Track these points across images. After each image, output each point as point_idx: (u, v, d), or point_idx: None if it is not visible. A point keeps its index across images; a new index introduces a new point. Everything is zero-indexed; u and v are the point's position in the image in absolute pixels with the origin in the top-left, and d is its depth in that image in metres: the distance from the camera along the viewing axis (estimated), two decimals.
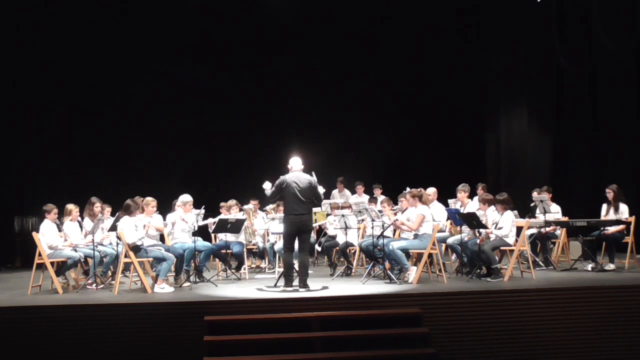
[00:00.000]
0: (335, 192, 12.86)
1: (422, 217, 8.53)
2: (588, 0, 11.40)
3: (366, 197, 11.77)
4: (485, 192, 9.58)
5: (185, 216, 9.01)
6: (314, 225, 10.95)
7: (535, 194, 10.38)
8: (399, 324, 7.02)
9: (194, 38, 13.67)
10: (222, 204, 10.43)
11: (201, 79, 13.75)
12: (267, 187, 8.29)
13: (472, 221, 8.43)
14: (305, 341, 6.74)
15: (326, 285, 8.34)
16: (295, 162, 8.22)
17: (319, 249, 10.60)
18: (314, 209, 11.00)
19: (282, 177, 8.12)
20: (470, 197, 9.88)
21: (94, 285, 8.50)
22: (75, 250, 8.53)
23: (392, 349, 6.72)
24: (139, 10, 13.24)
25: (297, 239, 8.10)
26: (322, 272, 10.06)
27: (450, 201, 10.25)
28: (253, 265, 10.81)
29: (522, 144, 13.66)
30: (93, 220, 8.89)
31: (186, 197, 9.11)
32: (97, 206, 9.15)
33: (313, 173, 8.28)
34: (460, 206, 9.63)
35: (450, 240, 9.16)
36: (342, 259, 9.91)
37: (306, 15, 13.74)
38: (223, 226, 9.04)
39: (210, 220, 9.61)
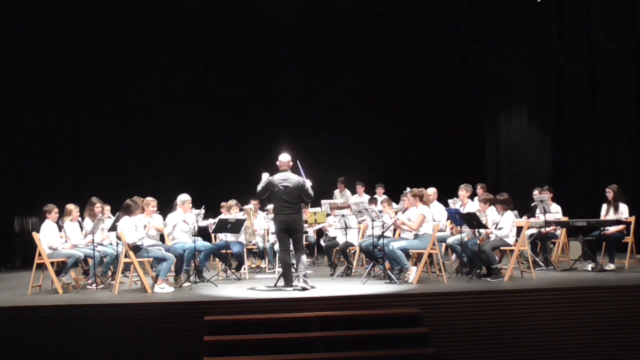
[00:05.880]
0: (336, 192, 12.88)
1: (423, 217, 8.53)
2: (588, 1, 11.40)
3: (366, 197, 11.77)
4: (485, 192, 9.57)
5: (186, 217, 9.00)
6: (316, 227, 11.00)
7: (536, 193, 10.38)
8: (399, 324, 7.02)
9: (194, 38, 13.67)
10: (222, 203, 10.43)
11: (201, 78, 13.74)
12: (264, 177, 8.23)
13: (472, 221, 8.43)
14: (305, 341, 6.74)
15: (326, 285, 8.34)
16: (284, 158, 8.20)
17: (323, 243, 10.54)
18: (314, 209, 11.06)
19: (269, 178, 8.10)
20: (471, 197, 9.88)
21: (94, 285, 8.51)
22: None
23: (392, 349, 6.72)
24: (138, 10, 13.23)
25: (290, 240, 8.11)
26: (322, 272, 10.06)
27: (450, 201, 10.25)
28: (253, 265, 10.81)
29: (522, 144, 13.66)
30: (93, 221, 8.90)
31: (184, 197, 9.12)
32: (98, 206, 9.15)
33: (298, 162, 8.28)
34: (460, 205, 9.63)
35: (450, 240, 9.16)
36: (342, 259, 9.91)
37: (306, 14, 13.74)
38: (223, 226, 9.04)
39: (210, 221, 9.60)
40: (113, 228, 8.61)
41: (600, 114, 12.54)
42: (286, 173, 8.14)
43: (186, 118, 13.85)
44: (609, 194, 9.38)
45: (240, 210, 10.00)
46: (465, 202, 9.62)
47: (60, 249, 8.40)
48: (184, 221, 8.94)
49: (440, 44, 13.94)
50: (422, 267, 8.43)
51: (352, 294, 7.52)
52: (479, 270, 8.49)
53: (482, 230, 8.53)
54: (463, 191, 9.65)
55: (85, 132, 13.57)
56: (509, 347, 7.11)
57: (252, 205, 10.38)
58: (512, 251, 8.41)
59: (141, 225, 8.34)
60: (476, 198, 9.64)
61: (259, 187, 8.16)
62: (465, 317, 7.15)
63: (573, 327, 7.18)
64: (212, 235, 9.94)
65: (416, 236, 8.60)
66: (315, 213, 10.94)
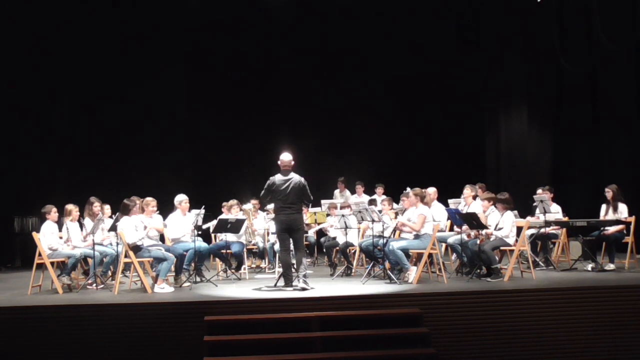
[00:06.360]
0: (336, 192, 12.89)
1: (424, 217, 8.54)
2: (588, 1, 11.40)
3: (366, 197, 11.76)
4: (485, 191, 9.54)
5: (187, 218, 9.00)
6: (316, 227, 11.00)
7: (540, 191, 10.38)
8: (399, 324, 7.03)
9: (194, 38, 13.67)
10: (224, 203, 10.42)
11: (201, 78, 13.73)
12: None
13: (472, 221, 8.42)
14: (305, 341, 6.74)
15: (326, 285, 8.34)
16: (286, 158, 8.20)
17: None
18: (314, 209, 11.06)
19: (270, 179, 8.13)
20: (474, 197, 9.82)
21: (94, 285, 8.50)
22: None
23: (392, 349, 6.73)
24: (138, 10, 13.23)
25: (290, 239, 8.12)
26: (322, 272, 10.06)
27: (450, 201, 10.24)
28: (253, 265, 10.81)
29: (522, 144, 13.66)
30: (93, 220, 8.90)
31: (181, 197, 9.13)
32: (96, 206, 9.15)
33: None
34: (465, 205, 9.55)
35: (450, 240, 9.15)
36: (342, 259, 9.91)
37: (307, 15, 13.74)
38: (223, 226, 9.04)
39: (212, 223, 9.58)
40: (113, 228, 8.61)
41: (600, 114, 12.53)
42: (287, 172, 8.15)
43: (186, 118, 13.84)
44: (608, 194, 9.38)
45: (241, 210, 10.00)
46: (470, 201, 9.49)
47: (60, 249, 8.40)
48: (192, 230, 8.88)
49: (440, 44, 13.94)
50: (422, 267, 8.43)
51: (352, 294, 7.52)
52: (479, 270, 8.50)
53: (482, 231, 8.52)
54: (468, 190, 9.49)
55: (85, 132, 13.56)
56: (509, 347, 7.12)
57: (251, 205, 10.37)
58: (512, 251, 8.41)
59: (141, 225, 8.33)
60: (478, 198, 9.61)
61: (262, 192, 8.19)
62: (465, 317, 7.15)
63: (573, 327, 7.19)
64: (212, 235, 9.93)
65: (416, 236, 8.60)
66: (315, 213, 10.95)
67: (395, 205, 10.09)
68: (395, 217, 9.26)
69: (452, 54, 14.01)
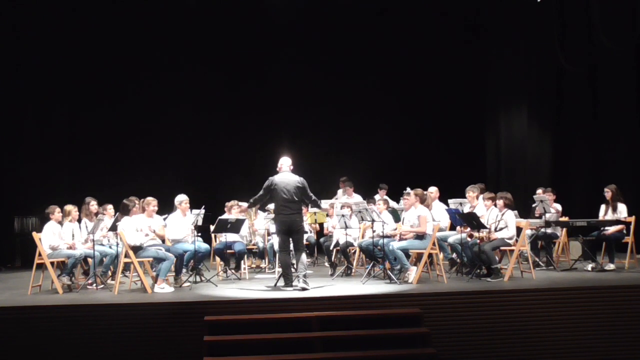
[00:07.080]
0: (339, 191, 12.87)
1: (425, 218, 8.54)
2: (588, 0, 11.40)
3: (357, 197, 11.72)
4: (484, 191, 9.51)
5: (185, 219, 8.99)
6: (329, 236, 10.98)
7: (540, 191, 10.36)
8: (399, 324, 7.03)
9: (195, 37, 13.66)
10: (226, 203, 10.41)
11: (202, 78, 13.73)
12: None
13: (472, 221, 8.42)
14: (305, 341, 6.74)
15: (326, 285, 8.34)
16: (285, 162, 8.25)
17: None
18: (314, 209, 11.04)
19: (270, 179, 8.16)
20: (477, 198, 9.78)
21: (94, 285, 8.51)
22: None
23: (392, 349, 6.73)
24: (139, 9, 13.23)
25: (290, 240, 8.13)
26: (322, 272, 10.06)
27: (450, 201, 10.23)
28: (253, 265, 10.81)
29: (522, 144, 13.66)
30: (91, 220, 8.90)
31: (181, 197, 9.14)
32: (93, 205, 9.15)
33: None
34: (470, 207, 9.49)
35: (451, 239, 9.14)
36: (342, 259, 9.91)
37: (307, 15, 13.73)
38: (223, 226, 9.04)
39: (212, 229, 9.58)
40: (113, 228, 8.61)
41: (600, 114, 12.53)
42: (286, 174, 8.16)
43: (187, 118, 13.84)
44: (607, 194, 9.38)
45: (241, 210, 9.98)
46: (475, 203, 9.34)
47: (62, 249, 8.39)
48: (192, 230, 8.88)
49: (440, 44, 13.93)
50: (422, 267, 8.43)
51: (352, 294, 7.53)
52: (479, 270, 8.50)
53: (485, 231, 8.50)
54: (470, 192, 9.40)
55: (85, 132, 13.55)
56: (509, 347, 7.12)
57: None
58: (512, 251, 8.41)
59: (145, 228, 8.32)
60: (481, 198, 9.58)
61: (261, 193, 8.20)
62: (465, 317, 7.15)
63: (573, 327, 7.19)
64: (212, 235, 9.93)
65: (417, 236, 8.59)
66: (315, 213, 10.94)
67: (395, 205, 10.09)
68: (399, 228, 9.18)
69: (452, 54, 14.00)
